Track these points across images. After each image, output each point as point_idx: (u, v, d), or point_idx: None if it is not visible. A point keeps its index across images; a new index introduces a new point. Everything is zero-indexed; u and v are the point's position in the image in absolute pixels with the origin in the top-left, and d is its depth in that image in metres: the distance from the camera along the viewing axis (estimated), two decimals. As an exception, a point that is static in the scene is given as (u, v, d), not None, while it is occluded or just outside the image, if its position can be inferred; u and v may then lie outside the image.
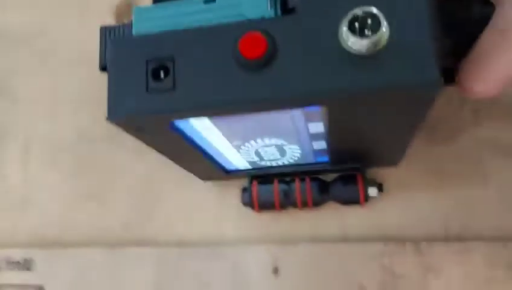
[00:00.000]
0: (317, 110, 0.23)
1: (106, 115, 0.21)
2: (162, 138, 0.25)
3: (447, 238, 0.34)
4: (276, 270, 0.35)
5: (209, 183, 0.37)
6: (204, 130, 0.25)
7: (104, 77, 0.39)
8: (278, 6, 0.22)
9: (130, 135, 0.24)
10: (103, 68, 0.24)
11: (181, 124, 0.23)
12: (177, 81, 0.21)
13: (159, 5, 0.23)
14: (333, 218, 0.35)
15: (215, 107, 0.20)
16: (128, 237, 0.37)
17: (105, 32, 0.25)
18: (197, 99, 0.20)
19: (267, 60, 0.20)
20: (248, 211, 0.36)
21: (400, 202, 0.35)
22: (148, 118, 0.21)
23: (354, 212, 0.35)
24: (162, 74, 0.21)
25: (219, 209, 0.37)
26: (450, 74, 0.26)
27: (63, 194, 0.39)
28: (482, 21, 0.23)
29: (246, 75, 0.20)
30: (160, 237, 0.37)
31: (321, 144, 0.29)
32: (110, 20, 0.42)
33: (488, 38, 0.23)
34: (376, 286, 0.33)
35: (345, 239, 0.35)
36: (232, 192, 0.37)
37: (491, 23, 0.23)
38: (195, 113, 0.21)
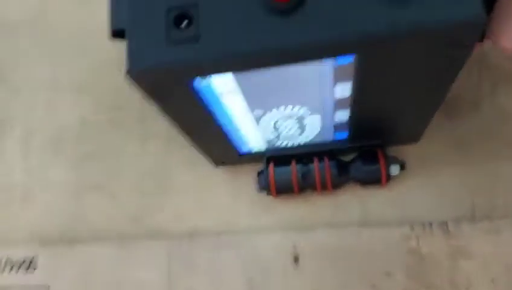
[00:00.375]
0: (349, 64, 0.21)
1: (126, 70, 0.20)
2: (182, 105, 0.23)
3: (474, 218, 0.32)
4: (296, 259, 0.33)
5: (220, 171, 0.36)
6: (226, 94, 0.23)
7: (106, 63, 0.37)
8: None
9: (148, 102, 0.22)
10: (115, 33, 0.22)
11: (203, 85, 0.22)
12: (201, 30, 0.19)
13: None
14: (354, 202, 0.34)
15: (242, 57, 0.19)
16: (138, 229, 0.35)
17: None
18: (223, 48, 0.19)
19: (297, 2, 0.19)
20: (262, 198, 0.34)
21: (423, 180, 0.33)
22: (170, 72, 0.19)
23: (375, 195, 0.34)
24: (184, 23, 0.19)
25: (232, 196, 0.35)
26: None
27: (67, 187, 0.37)
28: None
29: (275, 20, 0.19)
30: (171, 227, 0.35)
31: (344, 115, 0.28)
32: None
33: None
34: (404, 272, 0.32)
35: (367, 223, 0.33)
36: (245, 179, 0.35)
37: None
38: (220, 65, 0.20)
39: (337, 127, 0.30)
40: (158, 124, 0.35)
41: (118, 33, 0.22)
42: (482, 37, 0.25)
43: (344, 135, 0.31)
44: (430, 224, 0.32)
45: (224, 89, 0.23)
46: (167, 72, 0.19)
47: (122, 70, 0.35)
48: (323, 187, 0.33)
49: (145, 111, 0.36)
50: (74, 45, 0.40)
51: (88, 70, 0.39)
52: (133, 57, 0.19)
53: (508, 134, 0.33)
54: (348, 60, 0.21)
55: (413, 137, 0.32)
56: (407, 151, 0.34)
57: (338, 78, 0.23)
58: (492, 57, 0.34)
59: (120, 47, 0.38)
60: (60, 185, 0.37)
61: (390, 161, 0.32)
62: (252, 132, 0.29)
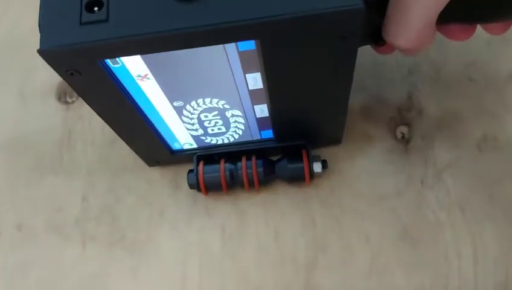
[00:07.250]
0: (252, 50, 0.23)
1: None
2: (100, 89, 0.25)
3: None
4: None
5: (162, 267, 0.34)
6: (141, 79, 0.25)
7: (43, 164, 0.37)
8: None
9: (66, 81, 0.23)
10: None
11: (116, 67, 0.24)
12: (111, 13, 0.21)
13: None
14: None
15: (147, 38, 0.21)
16: None
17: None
18: (129, 29, 0.21)
19: (201, -9, 0.21)
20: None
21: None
22: (80, 51, 0.21)
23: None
24: (95, 8, 0.21)
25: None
26: (379, 33, 0.27)
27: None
28: None
29: (180, 6, 0.21)
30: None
31: (263, 110, 0.30)
32: (50, 101, 0.40)
33: None
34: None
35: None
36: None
37: None
38: (126, 46, 0.21)
39: (262, 125, 0.32)
40: (99, 227, 0.35)
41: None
42: (380, 40, 0.27)
43: (270, 134, 0.33)
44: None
45: (137, 72, 0.24)
46: (77, 51, 0.21)
47: (59, 172, 0.36)
48: (251, 185, 0.34)
49: (85, 213, 0.36)
50: (11, 146, 0.39)
51: (25, 171, 0.38)
52: (46, 36, 0.21)
53: (451, 228, 0.34)
54: (250, 46, 0.23)
55: (335, 138, 0.35)
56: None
57: (246, 68, 0.25)
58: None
59: (54, 150, 0.37)
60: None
61: (313, 159, 0.34)
62: (177, 125, 0.31)
